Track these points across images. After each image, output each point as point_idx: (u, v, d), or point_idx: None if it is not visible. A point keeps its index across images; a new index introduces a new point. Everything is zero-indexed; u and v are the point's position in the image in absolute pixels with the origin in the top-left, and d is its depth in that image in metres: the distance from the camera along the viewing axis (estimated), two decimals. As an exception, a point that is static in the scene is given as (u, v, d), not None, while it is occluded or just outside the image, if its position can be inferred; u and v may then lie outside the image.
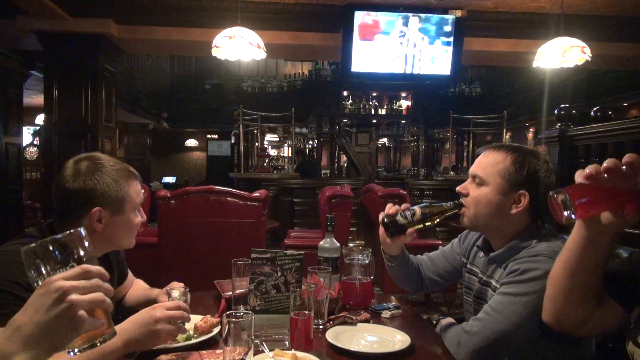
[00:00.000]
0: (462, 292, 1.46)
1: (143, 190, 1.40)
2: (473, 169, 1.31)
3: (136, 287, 1.58)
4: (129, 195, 1.27)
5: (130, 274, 1.62)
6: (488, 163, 1.28)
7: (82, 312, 0.72)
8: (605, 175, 0.78)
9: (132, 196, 1.28)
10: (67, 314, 0.72)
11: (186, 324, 1.33)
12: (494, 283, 1.27)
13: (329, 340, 1.21)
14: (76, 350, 0.78)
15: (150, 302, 1.45)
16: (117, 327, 1.03)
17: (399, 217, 1.32)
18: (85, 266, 0.76)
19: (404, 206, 1.34)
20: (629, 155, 0.78)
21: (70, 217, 1.21)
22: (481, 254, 1.37)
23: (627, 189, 0.78)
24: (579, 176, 0.81)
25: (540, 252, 1.16)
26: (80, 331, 0.75)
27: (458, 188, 1.33)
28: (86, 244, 0.78)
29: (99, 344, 0.79)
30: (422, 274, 1.55)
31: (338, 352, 1.17)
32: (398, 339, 1.25)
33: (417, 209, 1.31)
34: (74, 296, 0.72)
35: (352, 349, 1.17)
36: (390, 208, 1.36)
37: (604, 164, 0.78)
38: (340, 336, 1.26)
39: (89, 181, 1.20)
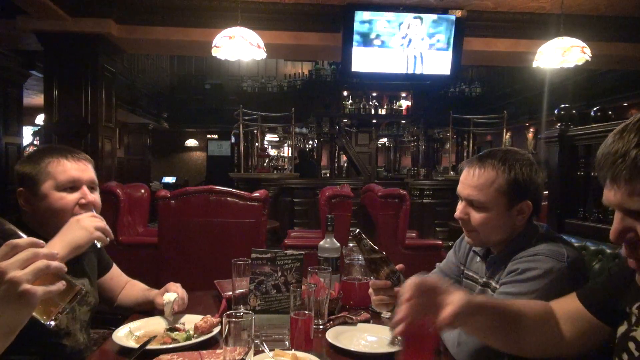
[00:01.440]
0: None
1: (143, 190, 1.40)
2: (468, 193, 1.23)
3: (134, 288, 1.58)
4: (44, 173, 1.25)
5: (122, 274, 1.62)
6: (483, 184, 1.21)
7: (26, 287, 0.70)
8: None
9: (51, 174, 1.25)
10: (11, 293, 0.70)
11: (186, 323, 1.34)
12: (493, 284, 1.26)
13: (329, 340, 1.21)
14: (52, 322, 0.77)
15: (149, 302, 1.45)
16: (51, 244, 1.13)
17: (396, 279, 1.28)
18: (10, 242, 0.74)
19: (383, 282, 1.29)
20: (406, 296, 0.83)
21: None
22: (478, 258, 1.36)
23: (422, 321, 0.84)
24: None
25: (540, 251, 1.16)
26: (34, 304, 0.73)
27: (458, 215, 1.27)
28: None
29: (68, 308, 0.78)
30: None
31: (338, 352, 1.17)
32: (398, 339, 1.25)
33: (386, 270, 1.27)
34: (11, 274, 0.70)
35: (352, 349, 1.17)
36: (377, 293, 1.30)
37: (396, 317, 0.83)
38: (341, 336, 1.25)
39: (20, 164, 1.30)
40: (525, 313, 0.95)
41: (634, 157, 0.67)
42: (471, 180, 1.23)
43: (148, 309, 1.46)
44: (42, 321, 0.77)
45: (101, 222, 1.24)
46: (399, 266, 1.30)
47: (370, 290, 1.31)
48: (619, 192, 0.70)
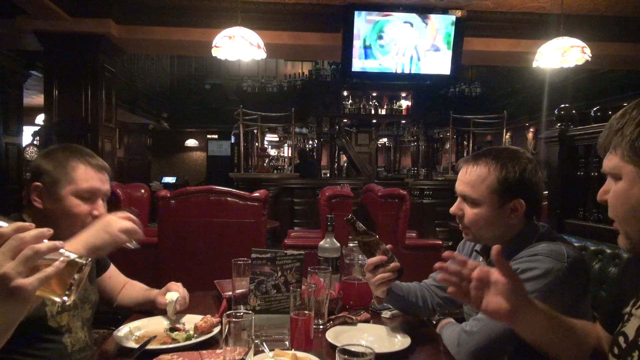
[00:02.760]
0: None
1: (143, 190, 1.40)
2: (461, 189, 1.27)
3: (134, 288, 1.58)
4: (68, 176, 1.25)
5: (120, 274, 1.62)
6: (475, 180, 1.24)
7: (18, 282, 0.64)
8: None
9: (74, 179, 1.26)
10: (2, 290, 0.65)
11: (186, 323, 1.34)
12: None
13: (329, 340, 1.21)
14: (65, 298, 0.72)
15: (150, 302, 1.45)
16: (70, 243, 1.10)
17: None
18: None
19: (379, 258, 1.32)
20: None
21: (27, 191, 1.28)
22: (481, 258, 1.37)
23: None
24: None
25: (539, 251, 1.16)
26: (29, 297, 0.68)
27: (452, 210, 1.30)
28: None
29: (78, 281, 0.72)
30: (427, 298, 1.47)
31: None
32: (398, 339, 1.25)
33: (381, 249, 1.33)
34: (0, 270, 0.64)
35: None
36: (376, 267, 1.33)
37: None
38: (341, 336, 1.26)
39: (41, 159, 1.28)
40: (574, 323, 0.98)
41: (620, 128, 0.82)
42: (465, 176, 1.27)
43: (148, 309, 1.46)
44: (56, 299, 0.72)
45: (129, 224, 1.21)
46: (388, 246, 1.35)
47: (368, 275, 1.33)
48: (605, 158, 0.85)
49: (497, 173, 1.21)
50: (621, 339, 0.87)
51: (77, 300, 1.26)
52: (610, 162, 0.82)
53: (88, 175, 1.27)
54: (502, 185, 1.21)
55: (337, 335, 1.25)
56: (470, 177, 1.25)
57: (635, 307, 0.87)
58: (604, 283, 1.35)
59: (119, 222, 1.19)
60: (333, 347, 1.19)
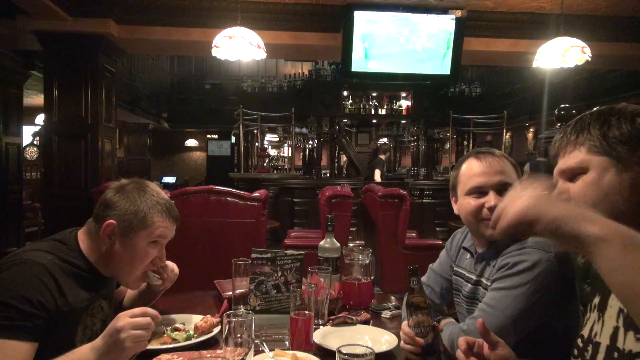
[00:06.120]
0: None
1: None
2: (499, 179, 1.24)
3: None
4: (145, 223, 1.21)
5: None
6: (503, 169, 1.26)
7: None
8: None
9: (151, 228, 1.22)
10: None
11: (186, 323, 1.34)
12: (484, 281, 1.27)
13: (316, 341, 1.20)
14: None
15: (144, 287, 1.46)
16: (92, 343, 1.05)
17: (425, 340, 1.14)
18: None
19: (409, 330, 1.16)
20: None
21: (96, 223, 1.23)
22: (468, 255, 1.37)
23: None
24: None
25: (527, 244, 1.18)
26: None
27: (496, 202, 1.19)
28: None
29: None
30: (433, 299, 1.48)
31: (325, 353, 1.17)
32: (385, 339, 1.25)
33: (416, 318, 1.15)
34: None
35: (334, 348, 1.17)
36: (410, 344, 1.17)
37: None
38: (327, 337, 1.25)
39: (118, 195, 1.23)
40: None
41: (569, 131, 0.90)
42: (498, 166, 1.27)
43: (149, 299, 1.46)
44: None
45: (140, 334, 1.05)
46: (443, 322, 1.26)
47: (401, 332, 1.24)
48: (566, 158, 0.89)
49: (510, 163, 1.31)
50: (579, 341, 0.91)
51: (99, 329, 1.23)
52: (575, 158, 0.88)
53: (165, 225, 1.25)
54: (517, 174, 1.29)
55: (325, 337, 1.24)
56: (497, 166, 1.28)
57: (592, 311, 0.91)
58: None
59: (134, 332, 1.03)
60: (320, 349, 1.18)
